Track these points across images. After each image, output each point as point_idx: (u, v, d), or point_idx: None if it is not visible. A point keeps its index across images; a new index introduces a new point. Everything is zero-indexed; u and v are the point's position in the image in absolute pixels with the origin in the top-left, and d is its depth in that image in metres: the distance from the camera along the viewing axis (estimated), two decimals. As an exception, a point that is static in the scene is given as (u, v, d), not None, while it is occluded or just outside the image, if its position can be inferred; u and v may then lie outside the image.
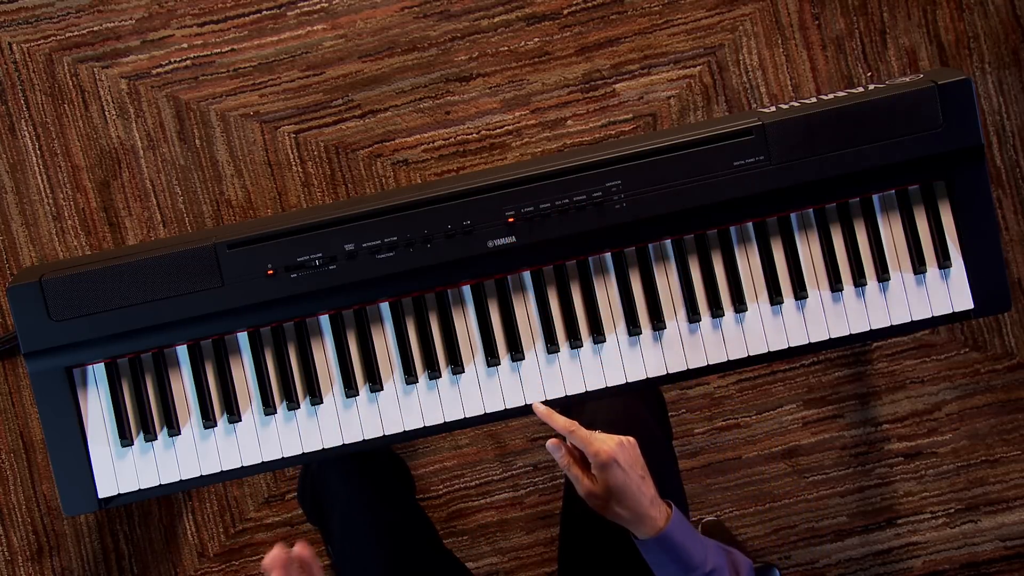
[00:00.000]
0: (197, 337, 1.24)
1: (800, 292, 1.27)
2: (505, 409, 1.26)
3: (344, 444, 1.25)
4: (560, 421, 1.15)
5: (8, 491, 1.82)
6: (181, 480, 1.25)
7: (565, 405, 1.28)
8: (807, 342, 1.27)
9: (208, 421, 1.25)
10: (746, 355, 1.27)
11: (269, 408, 1.25)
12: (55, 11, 1.81)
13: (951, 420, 1.87)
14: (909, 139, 1.23)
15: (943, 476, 1.87)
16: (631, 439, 1.14)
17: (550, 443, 1.16)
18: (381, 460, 1.46)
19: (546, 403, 1.25)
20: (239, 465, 1.25)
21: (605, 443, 1.11)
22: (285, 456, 1.25)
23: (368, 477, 1.36)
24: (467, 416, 1.26)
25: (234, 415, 1.25)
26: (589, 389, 1.26)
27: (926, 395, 1.87)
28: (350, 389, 1.25)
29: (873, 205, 1.28)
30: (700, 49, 1.84)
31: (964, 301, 1.28)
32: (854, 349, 1.86)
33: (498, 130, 1.84)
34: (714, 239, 1.27)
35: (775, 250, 1.27)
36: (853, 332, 1.27)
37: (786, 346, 1.27)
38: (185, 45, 1.81)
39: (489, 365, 1.25)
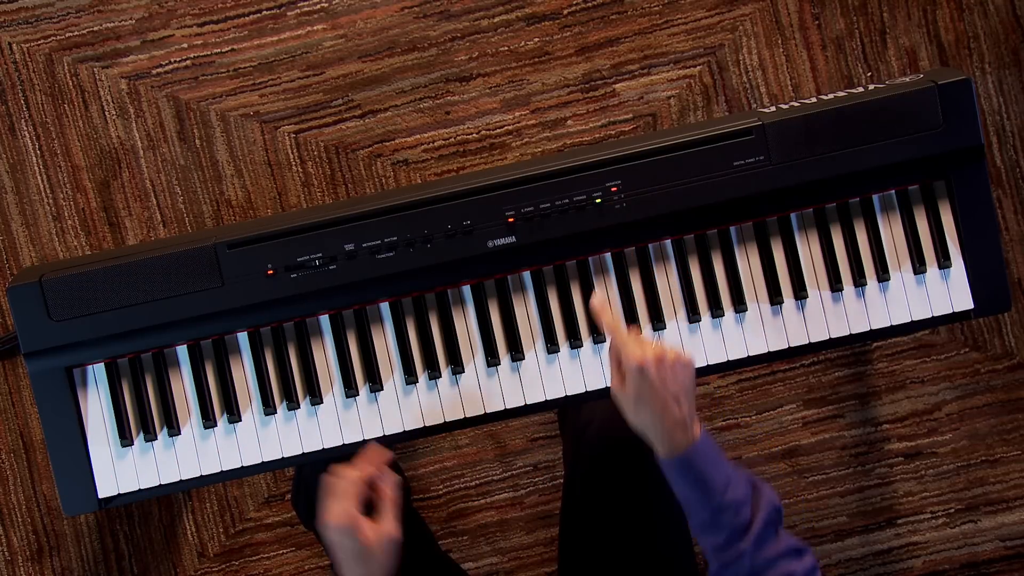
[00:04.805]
0: (197, 337, 1.24)
1: (800, 292, 1.27)
2: (505, 409, 1.26)
3: (344, 444, 1.25)
4: (607, 319, 1.14)
5: (8, 491, 1.82)
6: (181, 480, 1.25)
7: (565, 405, 1.28)
8: (807, 342, 1.27)
9: (208, 421, 1.25)
10: (746, 355, 1.27)
11: (269, 408, 1.25)
12: (55, 11, 1.81)
13: (951, 420, 1.87)
14: (909, 139, 1.23)
15: (943, 476, 1.87)
16: (685, 358, 1.10)
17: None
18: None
19: (546, 402, 1.25)
20: (239, 465, 1.25)
21: (640, 350, 1.08)
22: (285, 456, 1.26)
23: None
24: (467, 416, 1.26)
25: (234, 415, 1.25)
26: (589, 389, 1.26)
27: (926, 395, 1.87)
28: (350, 389, 1.25)
29: (873, 205, 1.28)
30: (700, 49, 1.84)
31: (964, 301, 1.28)
32: (854, 349, 1.86)
33: (498, 130, 1.84)
34: (714, 239, 1.27)
35: (775, 250, 1.27)
36: (853, 332, 1.28)
37: (786, 346, 1.27)
38: (185, 45, 1.81)
39: (489, 365, 1.26)
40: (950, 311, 1.28)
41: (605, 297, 1.15)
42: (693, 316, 1.26)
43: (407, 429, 1.26)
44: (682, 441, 1.08)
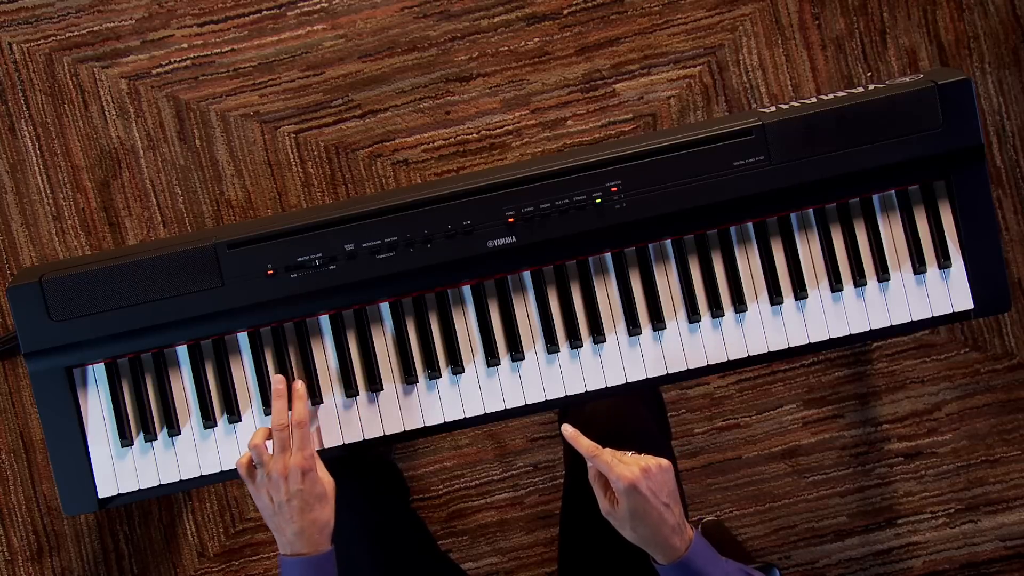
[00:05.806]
0: (197, 337, 1.24)
1: (800, 292, 1.27)
2: (505, 409, 1.26)
3: (344, 444, 1.25)
4: (584, 444, 1.13)
5: (8, 491, 1.82)
6: (181, 480, 1.25)
7: (565, 405, 1.28)
8: (807, 342, 1.27)
9: (208, 421, 1.25)
10: (746, 355, 1.27)
11: (269, 408, 1.24)
12: (55, 11, 1.81)
13: (951, 420, 1.87)
14: (909, 139, 1.23)
15: (943, 476, 1.87)
16: (664, 463, 1.12)
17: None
18: (372, 465, 1.46)
19: (546, 402, 1.25)
20: (239, 465, 1.25)
21: (628, 469, 1.09)
22: (285, 456, 1.25)
23: (358, 482, 1.36)
24: (467, 416, 1.26)
25: (234, 415, 1.25)
26: (589, 389, 1.26)
27: (926, 395, 1.87)
28: (350, 389, 1.25)
29: (873, 205, 1.28)
30: (700, 49, 1.84)
31: (964, 301, 1.27)
32: (854, 349, 1.86)
33: (498, 130, 1.84)
34: (714, 239, 1.27)
35: (775, 250, 1.27)
36: (853, 332, 1.27)
37: (786, 346, 1.27)
38: (185, 45, 1.81)
39: (489, 365, 1.25)
40: (950, 311, 1.27)
41: (575, 429, 1.16)
42: (693, 316, 1.26)
43: (407, 429, 1.26)
44: (680, 545, 1.10)
